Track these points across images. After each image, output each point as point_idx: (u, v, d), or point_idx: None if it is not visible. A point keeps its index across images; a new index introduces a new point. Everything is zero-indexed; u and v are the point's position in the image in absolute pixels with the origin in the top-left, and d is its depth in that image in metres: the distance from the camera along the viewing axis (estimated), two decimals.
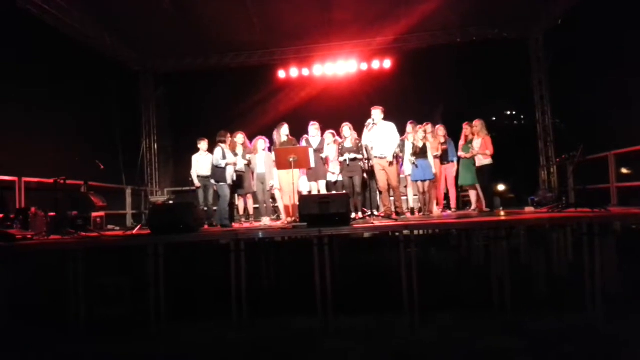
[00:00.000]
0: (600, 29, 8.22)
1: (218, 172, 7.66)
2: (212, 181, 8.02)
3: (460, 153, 8.36)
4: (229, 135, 8.09)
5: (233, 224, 8.18)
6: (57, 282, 5.41)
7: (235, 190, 8.24)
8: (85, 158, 8.16)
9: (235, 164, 7.91)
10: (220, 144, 7.75)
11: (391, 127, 7.42)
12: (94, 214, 7.63)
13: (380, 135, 7.31)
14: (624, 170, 7.74)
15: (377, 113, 7.39)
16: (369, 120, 7.34)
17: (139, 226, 7.40)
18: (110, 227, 8.25)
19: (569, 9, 9.24)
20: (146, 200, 11.41)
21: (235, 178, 7.97)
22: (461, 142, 8.43)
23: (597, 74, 8.44)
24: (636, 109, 7.27)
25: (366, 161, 7.50)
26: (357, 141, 7.87)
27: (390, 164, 7.30)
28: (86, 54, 9.79)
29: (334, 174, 8.24)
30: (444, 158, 8.46)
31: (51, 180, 6.87)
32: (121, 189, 10.26)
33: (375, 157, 7.36)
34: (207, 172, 8.24)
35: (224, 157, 7.66)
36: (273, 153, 7.78)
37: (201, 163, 8.42)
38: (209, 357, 4.54)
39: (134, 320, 5.54)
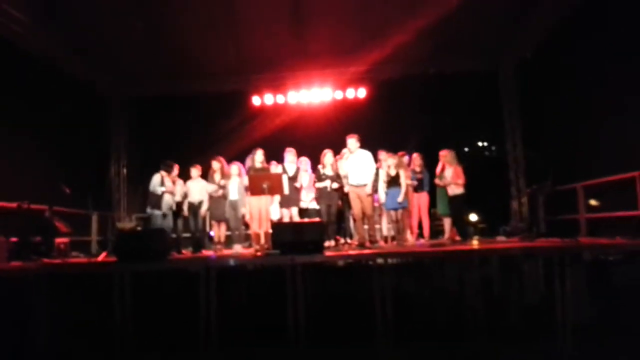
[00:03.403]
0: (570, 62, 8.48)
1: (153, 198, 7.55)
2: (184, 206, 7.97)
3: (437, 181, 8.36)
4: (175, 167, 8.11)
5: (204, 251, 8.04)
6: (17, 311, 5.16)
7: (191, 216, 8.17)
8: (51, 182, 7.94)
9: (172, 193, 7.82)
10: (163, 172, 7.71)
11: (367, 155, 7.45)
12: (57, 240, 7.37)
13: (357, 164, 7.32)
14: (593, 202, 7.87)
15: (352, 142, 7.42)
16: (345, 150, 7.36)
17: (104, 253, 7.17)
18: (74, 253, 7.97)
19: (540, 43, 9.52)
20: (113, 226, 11.09)
21: (174, 208, 7.89)
22: (438, 170, 8.43)
23: (566, 106, 8.68)
24: (605, 141, 7.46)
25: (342, 189, 7.52)
26: (337, 169, 7.91)
27: (368, 195, 7.31)
28: (54, 76, 9.48)
29: (305, 201, 8.20)
30: (418, 187, 8.44)
31: (14, 204, 6.64)
32: (87, 214, 9.94)
33: (352, 185, 7.35)
34: (178, 198, 8.12)
35: (162, 185, 7.61)
36: (246, 179, 7.69)
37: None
38: None
39: (98, 351, 5.29)
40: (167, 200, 7.73)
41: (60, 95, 9.59)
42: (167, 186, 7.67)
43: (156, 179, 7.70)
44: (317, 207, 8.10)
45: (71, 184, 8.08)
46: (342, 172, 7.70)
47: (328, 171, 7.89)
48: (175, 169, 8.15)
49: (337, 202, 7.81)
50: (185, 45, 9.79)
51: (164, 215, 7.70)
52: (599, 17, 7.59)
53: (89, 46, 9.67)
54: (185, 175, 8.37)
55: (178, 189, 7.98)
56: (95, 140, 11.28)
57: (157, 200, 7.55)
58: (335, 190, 7.74)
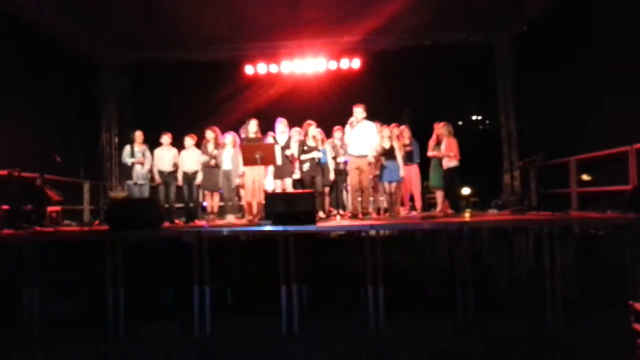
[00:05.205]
0: (566, 36, 8.42)
1: (125, 170, 7.64)
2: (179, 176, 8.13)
3: (431, 152, 8.32)
4: (140, 134, 8.21)
5: (196, 220, 8.05)
6: (9, 279, 5.16)
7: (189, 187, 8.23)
8: (42, 150, 7.85)
9: (142, 163, 7.87)
10: (133, 143, 7.94)
11: (371, 126, 7.35)
12: (49, 209, 7.32)
13: (360, 134, 7.26)
14: (585, 177, 7.91)
15: (359, 111, 7.28)
16: (352, 119, 7.27)
17: (96, 222, 7.16)
18: (66, 222, 7.94)
19: (536, 17, 9.42)
20: (105, 195, 11.05)
21: (147, 178, 8.08)
22: (432, 142, 8.40)
23: (560, 80, 8.65)
24: (598, 115, 7.46)
25: (332, 160, 7.46)
26: (318, 141, 7.90)
27: (369, 163, 7.28)
28: (44, 42, 9.30)
29: (297, 173, 8.18)
30: (408, 159, 8.42)
31: (5, 172, 6.58)
32: (79, 183, 9.87)
33: (352, 155, 7.30)
34: (169, 167, 8.12)
35: (132, 156, 7.66)
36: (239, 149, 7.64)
37: (163, 158, 8.21)
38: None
39: (91, 319, 5.32)
40: (138, 170, 7.79)
41: (51, 62, 9.44)
42: (136, 157, 7.74)
43: (126, 150, 7.90)
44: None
45: (62, 153, 8.01)
46: (346, 141, 7.66)
47: (310, 142, 7.85)
48: (139, 136, 8.22)
49: (321, 173, 7.85)
50: (177, 12, 9.56)
51: (136, 185, 7.81)
52: None
53: (80, 13, 9.43)
54: (179, 145, 8.33)
55: (147, 155, 8.11)
56: (87, 108, 11.12)
57: (128, 171, 7.68)
58: (313, 160, 7.79)
